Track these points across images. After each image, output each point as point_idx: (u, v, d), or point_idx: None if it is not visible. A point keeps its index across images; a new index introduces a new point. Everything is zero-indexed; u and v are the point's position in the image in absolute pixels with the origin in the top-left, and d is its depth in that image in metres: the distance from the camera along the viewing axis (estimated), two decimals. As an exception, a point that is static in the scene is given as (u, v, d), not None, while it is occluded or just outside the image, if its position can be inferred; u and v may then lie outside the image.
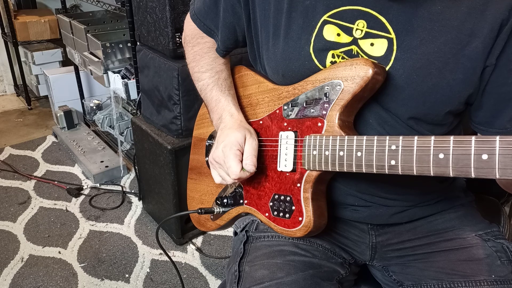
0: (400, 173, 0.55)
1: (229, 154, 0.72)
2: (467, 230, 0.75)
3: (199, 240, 1.75)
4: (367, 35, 0.65)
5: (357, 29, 0.65)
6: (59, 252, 1.66)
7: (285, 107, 0.73)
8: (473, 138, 0.49)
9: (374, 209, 0.75)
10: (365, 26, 0.65)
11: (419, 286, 0.72)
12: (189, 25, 0.88)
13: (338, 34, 0.67)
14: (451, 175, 0.51)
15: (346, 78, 0.64)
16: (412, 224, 0.78)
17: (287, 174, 0.72)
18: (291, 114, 0.72)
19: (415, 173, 0.54)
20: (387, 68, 0.65)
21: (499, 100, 0.65)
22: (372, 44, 0.65)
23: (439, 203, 0.78)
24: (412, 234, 0.78)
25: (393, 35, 0.64)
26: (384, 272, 0.80)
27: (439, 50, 0.63)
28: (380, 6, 0.64)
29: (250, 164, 0.71)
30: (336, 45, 0.67)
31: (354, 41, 0.66)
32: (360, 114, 0.68)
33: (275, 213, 0.73)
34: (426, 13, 0.62)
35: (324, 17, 0.67)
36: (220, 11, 0.80)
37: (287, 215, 0.71)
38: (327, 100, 0.66)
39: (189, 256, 1.66)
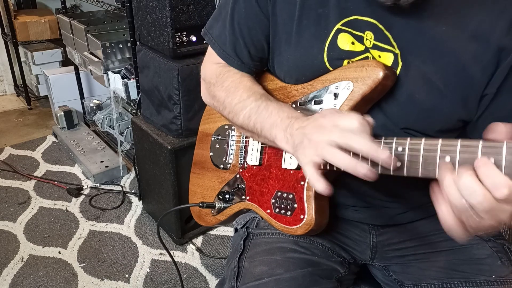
0: (405, 175, 0.55)
1: (331, 117, 0.58)
2: None
3: (199, 240, 1.75)
4: (374, 47, 0.65)
5: (366, 39, 0.65)
6: (59, 252, 1.66)
7: (294, 106, 0.73)
8: (480, 142, 0.49)
9: (376, 210, 0.75)
10: (373, 38, 0.64)
11: (420, 285, 0.72)
12: (207, 67, 0.82)
13: (353, 43, 0.66)
14: None
15: (356, 79, 0.64)
16: (413, 224, 0.78)
17: (291, 172, 0.72)
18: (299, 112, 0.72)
19: (420, 176, 0.54)
20: None
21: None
22: (379, 56, 0.65)
23: None
24: (412, 233, 0.78)
25: (398, 51, 0.63)
26: (385, 272, 0.80)
27: (441, 72, 0.62)
28: (386, 21, 0.63)
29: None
30: (351, 54, 0.67)
31: (366, 50, 0.66)
32: None
33: (277, 210, 0.73)
34: (431, 32, 0.61)
35: (338, 26, 0.66)
36: (242, 33, 0.75)
37: (289, 213, 0.71)
38: (336, 100, 0.66)
39: (189, 256, 1.66)
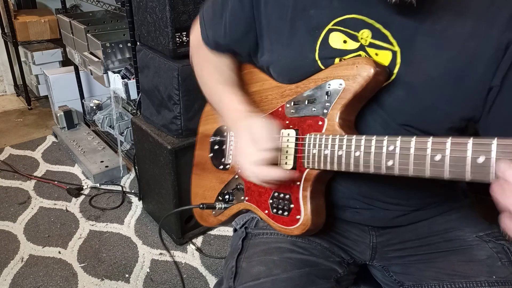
0: (396, 174, 0.55)
1: (244, 145, 0.70)
2: (468, 231, 0.75)
3: (199, 240, 1.75)
4: (371, 45, 0.65)
5: (361, 37, 0.65)
6: (59, 252, 1.66)
7: (288, 105, 0.73)
8: (470, 140, 0.48)
9: (376, 212, 0.75)
10: (369, 36, 0.64)
11: (420, 286, 0.72)
12: (196, 32, 0.87)
13: (345, 41, 0.66)
14: (446, 177, 0.50)
15: (347, 77, 0.64)
16: (413, 225, 0.78)
17: (287, 172, 0.72)
18: (293, 112, 0.73)
19: (410, 175, 0.54)
20: (389, 81, 0.64)
21: (507, 121, 0.64)
22: (376, 54, 0.65)
23: (440, 206, 0.78)
24: (412, 234, 0.77)
25: (397, 48, 0.63)
26: (385, 272, 0.80)
27: (441, 68, 0.62)
28: (384, 19, 0.63)
29: (263, 140, 0.68)
30: (343, 53, 0.67)
31: (362, 47, 0.66)
32: (362, 114, 0.68)
33: (274, 210, 0.74)
34: (430, 29, 0.61)
35: (329, 26, 0.67)
36: (225, 24, 0.79)
37: (286, 213, 0.72)
38: (329, 99, 0.66)
39: (189, 256, 1.66)
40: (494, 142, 0.46)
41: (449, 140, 0.50)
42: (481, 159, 0.47)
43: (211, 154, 0.92)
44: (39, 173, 2.18)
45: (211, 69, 0.85)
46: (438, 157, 0.51)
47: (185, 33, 1.44)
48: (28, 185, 2.08)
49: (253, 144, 0.68)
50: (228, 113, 0.78)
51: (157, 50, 1.51)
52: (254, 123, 0.71)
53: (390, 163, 0.56)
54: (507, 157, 0.45)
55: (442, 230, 0.76)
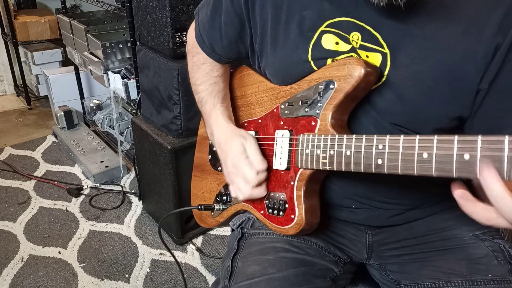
0: (386, 172, 0.56)
1: (240, 165, 0.74)
2: (464, 230, 0.75)
3: (199, 240, 1.75)
4: (361, 47, 0.65)
5: (352, 40, 0.66)
6: (59, 252, 1.67)
7: (282, 106, 0.74)
8: (456, 137, 0.49)
9: (371, 212, 0.76)
10: (360, 38, 0.65)
11: (416, 285, 0.72)
12: (191, 34, 0.88)
13: (337, 43, 0.67)
14: (434, 175, 0.51)
15: (339, 77, 0.64)
16: (408, 224, 0.78)
17: (282, 172, 0.73)
18: (287, 113, 0.73)
19: (399, 173, 0.54)
20: (379, 83, 0.65)
21: (491, 124, 0.64)
22: (367, 57, 0.65)
23: (436, 205, 0.78)
24: (409, 233, 0.78)
25: (387, 51, 0.63)
26: (382, 271, 0.80)
27: (431, 70, 0.62)
28: (374, 22, 0.63)
29: (258, 163, 0.73)
30: (335, 54, 0.67)
31: (353, 50, 0.66)
32: (355, 115, 0.68)
33: (270, 210, 0.74)
34: (420, 31, 0.61)
35: (322, 28, 0.67)
36: (221, 25, 0.80)
37: (281, 213, 0.72)
38: (321, 99, 0.67)
39: (189, 256, 1.66)
40: (479, 139, 0.47)
41: (435, 138, 0.51)
42: (467, 156, 0.48)
43: (210, 156, 0.93)
44: (39, 173, 2.19)
45: (204, 76, 0.87)
46: (425, 155, 0.51)
47: (185, 33, 1.45)
48: (28, 185, 2.08)
49: (249, 165, 0.74)
50: (218, 130, 0.82)
51: (157, 50, 1.51)
52: (247, 143, 0.76)
53: (379, 161, 0.56)
54: (492, 154, 0.46)
55: (438, 229, 0.77)
